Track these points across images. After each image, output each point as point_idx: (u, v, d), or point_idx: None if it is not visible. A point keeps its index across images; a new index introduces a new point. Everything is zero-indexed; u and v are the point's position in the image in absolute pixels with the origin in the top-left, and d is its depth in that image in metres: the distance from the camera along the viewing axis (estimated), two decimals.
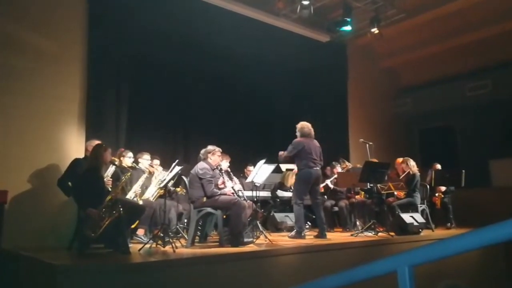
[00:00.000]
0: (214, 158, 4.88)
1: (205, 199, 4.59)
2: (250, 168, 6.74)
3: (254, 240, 4.71)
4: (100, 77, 5.91)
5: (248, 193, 6.52)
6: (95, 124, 5.73)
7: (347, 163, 7.01)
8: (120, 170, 4.74)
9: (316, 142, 5.57)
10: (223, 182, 4.84)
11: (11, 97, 5.11)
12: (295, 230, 5.31)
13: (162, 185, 4.59)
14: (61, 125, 5.49)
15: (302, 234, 5.19)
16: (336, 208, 6.80)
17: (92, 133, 5.55)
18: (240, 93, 7.61)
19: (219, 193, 4.64)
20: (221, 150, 4.99)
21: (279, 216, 6.66)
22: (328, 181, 6.86)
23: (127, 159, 5.09)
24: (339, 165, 6.95)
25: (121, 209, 3.70)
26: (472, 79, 8.78)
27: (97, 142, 4.68)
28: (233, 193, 4.86)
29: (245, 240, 4.44)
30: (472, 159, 8.37)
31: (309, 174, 5.32)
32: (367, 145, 6.16)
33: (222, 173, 4.93)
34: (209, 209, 4.57)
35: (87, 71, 5.75)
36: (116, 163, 4.63)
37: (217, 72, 7.20)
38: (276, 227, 6.55)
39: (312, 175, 5.33)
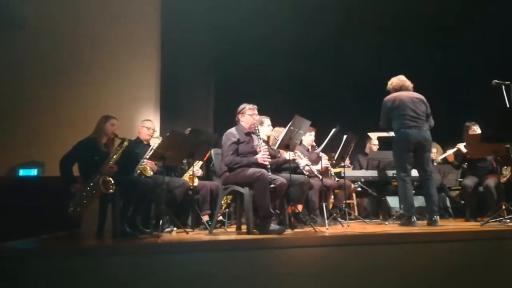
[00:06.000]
0: (245, 119, 4.27)
1: (228, 173, 4.08)
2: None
3: (286, 228, 4.03)
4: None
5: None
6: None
7: (475, 127, 5.19)
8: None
9: (415, 94, 4.62)
10: (259, 148, 4.13)
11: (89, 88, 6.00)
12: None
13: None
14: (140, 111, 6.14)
15: (412, 220, 4.31)
16: (480, 188, 5.09)
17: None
18: None
19: (241, 163, 3.99)
20: (253, 106, 4.30)
21: (392, 200, 5.63)
22: (460, 145, 5.33)
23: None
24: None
25: (113, 187, 3.71)
26: None
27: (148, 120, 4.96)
28: (265, 161, 4.02)
29: (272, 228, 3.74)
30: None
31: (405, 136, 4.46)
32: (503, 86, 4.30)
33: (259, 137, 4.18)
34: (235, 187, 3.99)
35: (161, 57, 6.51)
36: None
37: None
38: (389, 214, 5.56)
39: (411, 137, 4.43)
